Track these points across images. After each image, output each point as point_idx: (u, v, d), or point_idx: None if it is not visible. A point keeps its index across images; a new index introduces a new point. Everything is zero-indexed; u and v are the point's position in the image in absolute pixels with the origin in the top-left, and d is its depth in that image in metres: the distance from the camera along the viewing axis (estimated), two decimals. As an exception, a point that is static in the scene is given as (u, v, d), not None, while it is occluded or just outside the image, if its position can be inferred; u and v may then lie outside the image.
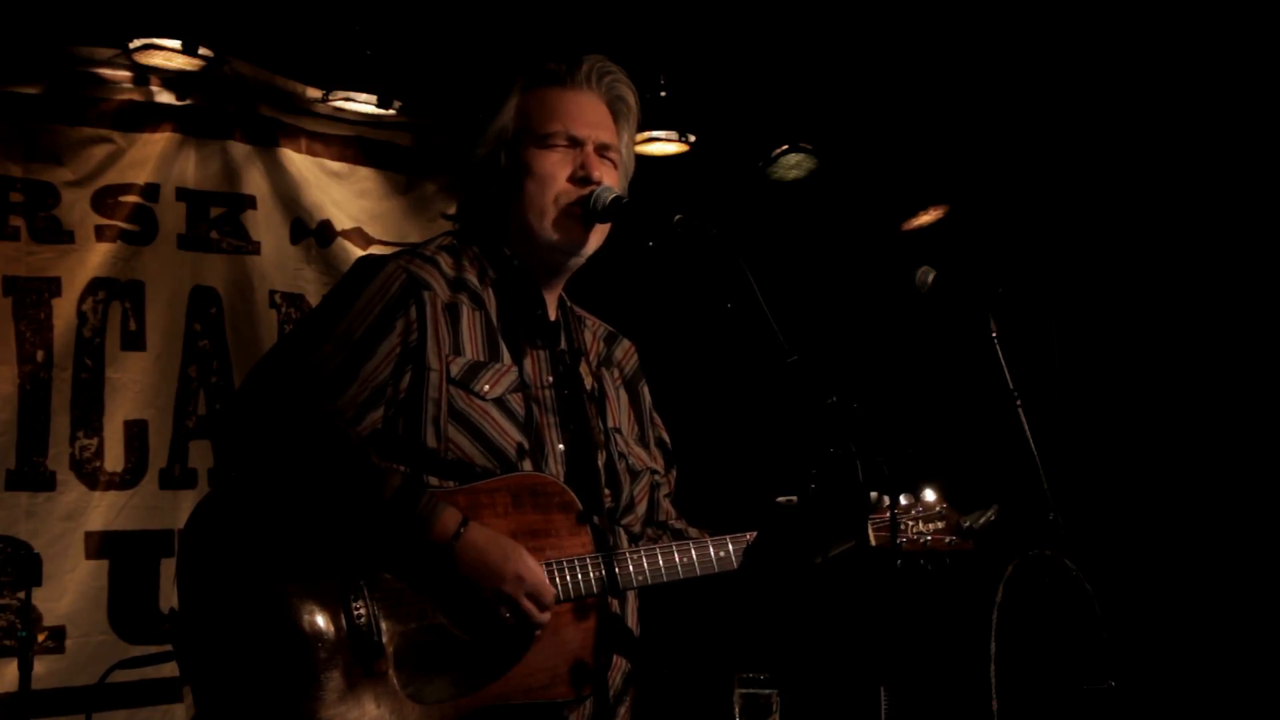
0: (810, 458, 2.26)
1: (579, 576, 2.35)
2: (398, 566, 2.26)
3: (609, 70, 2.58)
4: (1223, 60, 4.58)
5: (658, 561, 2.45)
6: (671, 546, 2.49)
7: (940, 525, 2.63)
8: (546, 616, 2.28)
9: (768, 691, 2.58)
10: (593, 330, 2.71)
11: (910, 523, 2.62)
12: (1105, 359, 4.80)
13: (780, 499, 2.51)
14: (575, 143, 2.50)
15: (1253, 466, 4.53)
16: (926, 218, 5.62)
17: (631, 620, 2.56)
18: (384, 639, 2.22)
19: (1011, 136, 5.18)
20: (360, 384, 2.32)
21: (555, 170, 2.48)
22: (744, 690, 2.58)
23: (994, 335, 2.82)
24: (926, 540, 2.61)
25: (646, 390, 2.76)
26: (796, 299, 3.71)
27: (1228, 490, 4.56)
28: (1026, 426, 2.77)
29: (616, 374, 2.70)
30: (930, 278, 2.88)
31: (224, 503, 2.33)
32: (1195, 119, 4.71)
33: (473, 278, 2.50)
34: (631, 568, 2.42)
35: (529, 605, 2.26)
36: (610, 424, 2.60)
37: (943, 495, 2.66)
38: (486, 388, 2.40)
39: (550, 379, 2.51)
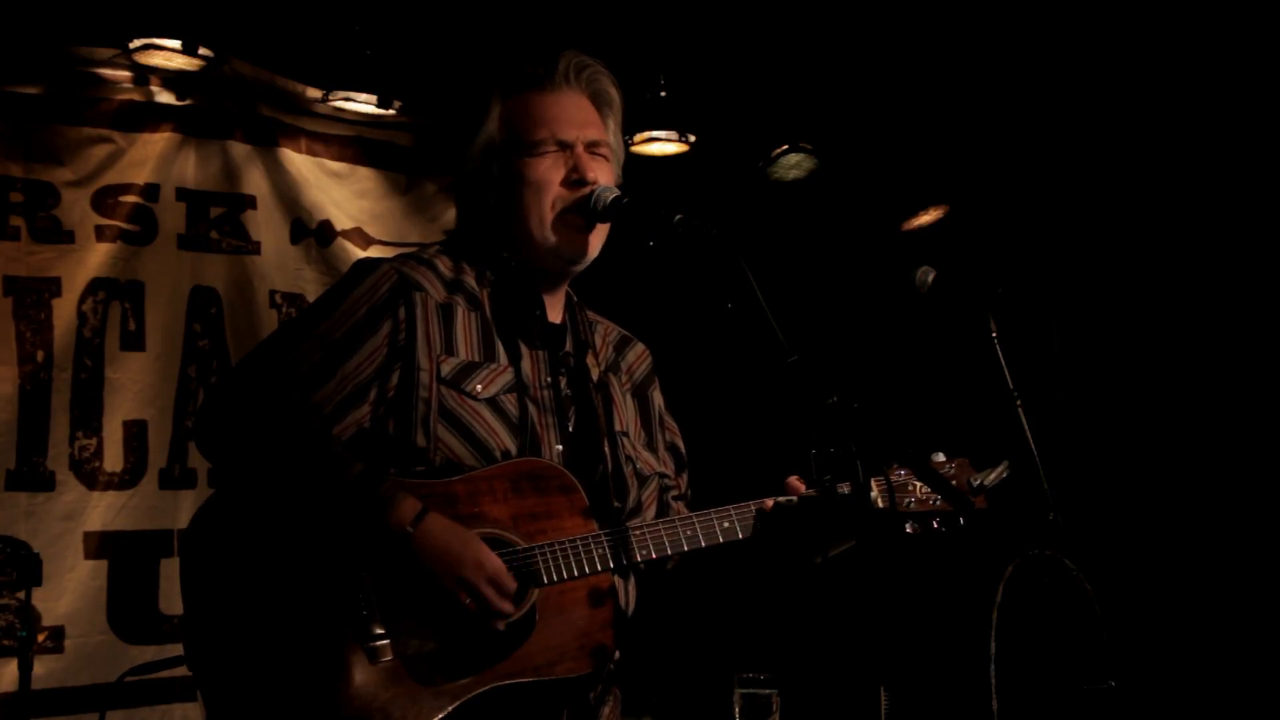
0: (810, 457, 2.25)
1: (580, 555, 2.34)
2: (380, 556, 2.25)
3: (586, 64, 2.56)
4: (1223, 60, 4.58)
5: (661, 536, 2.41)
6: (674, 520, 2.45)
7: (951, 484, 2.52)
8: (507, 605, 2.26)
9: (768, 691, 2.57)
10: (603, 335, 2.69)
11: (920, 483, 2.53)
12: (1105, 359, 4.80)
13: (781, 498, 2.50)
14: (564, 145, 2.48)
15: (1252, 466, 4.53)
16: (926, 218, 5.62)
17: (630, 609, 2.53)
18: (386, 628, 2.24)
19: (1011, 137, 5.18)
20: (339, 381, 2.33)
21: (549, 176, 2.47)
22: (744, 690, 2.58)
23: (994, 335, 2.82)
24: (937, 501, 2.52)
25: (658, 394, 2.74)
26: (796, 299, 3.71)
27: (1227, 490, 4.56)
28: (1026, 426, 2.77)
29: (625, 380, 2.67)
30: (930, 278, 2.88)
31: (221, 506, 2.34)
32: (1194, 119, 4.71)
33: (470, 280, 2.50)
34: (635, 543, 2.39)
35: (489, 591, 2.24)
36: (617, 427, 2.58)
37: (951, 456, 2.58)
38: (479, 388, 2.40)
39: (549, 379, 2.49)
